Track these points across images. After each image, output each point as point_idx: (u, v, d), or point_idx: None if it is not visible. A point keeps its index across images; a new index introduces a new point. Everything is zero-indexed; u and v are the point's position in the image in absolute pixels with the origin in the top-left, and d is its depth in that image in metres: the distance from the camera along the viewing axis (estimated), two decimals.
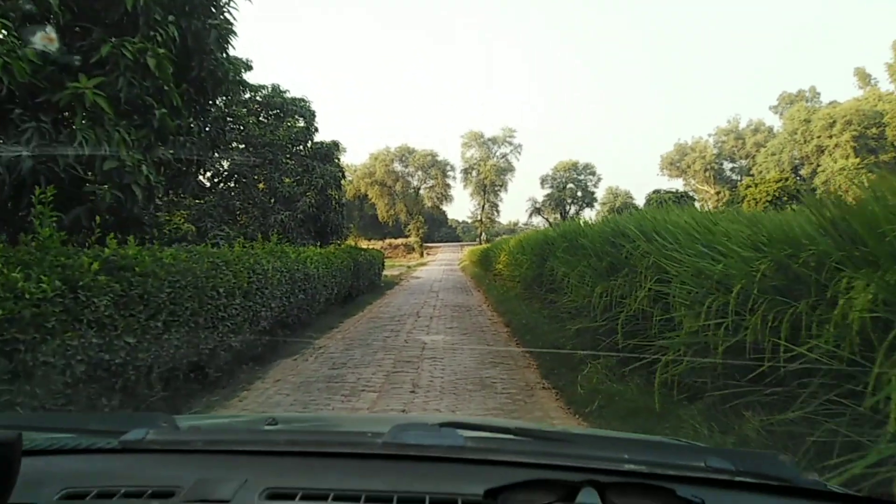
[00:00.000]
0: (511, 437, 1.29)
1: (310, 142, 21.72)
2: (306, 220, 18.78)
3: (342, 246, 17.34)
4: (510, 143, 67.78)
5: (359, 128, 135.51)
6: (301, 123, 21.49)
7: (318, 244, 18.66)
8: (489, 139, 67.79)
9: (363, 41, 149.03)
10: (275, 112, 21.28)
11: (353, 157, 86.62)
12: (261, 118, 21.06)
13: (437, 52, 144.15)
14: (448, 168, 67.48)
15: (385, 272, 34.97)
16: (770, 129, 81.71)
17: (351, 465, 1.16)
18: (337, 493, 1.02)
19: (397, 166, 66.87)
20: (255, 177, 19.41)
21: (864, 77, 71.99)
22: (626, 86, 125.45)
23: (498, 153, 67.93)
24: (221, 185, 18.99)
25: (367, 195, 66.25)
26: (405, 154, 66.54)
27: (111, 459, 1.20)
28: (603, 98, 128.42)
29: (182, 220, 16.90)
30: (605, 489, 0.95)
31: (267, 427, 1.46)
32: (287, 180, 20.70)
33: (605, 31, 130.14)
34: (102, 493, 1.02)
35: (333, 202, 19.53)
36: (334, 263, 13.88)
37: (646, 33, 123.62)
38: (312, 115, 22.19)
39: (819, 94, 75.72)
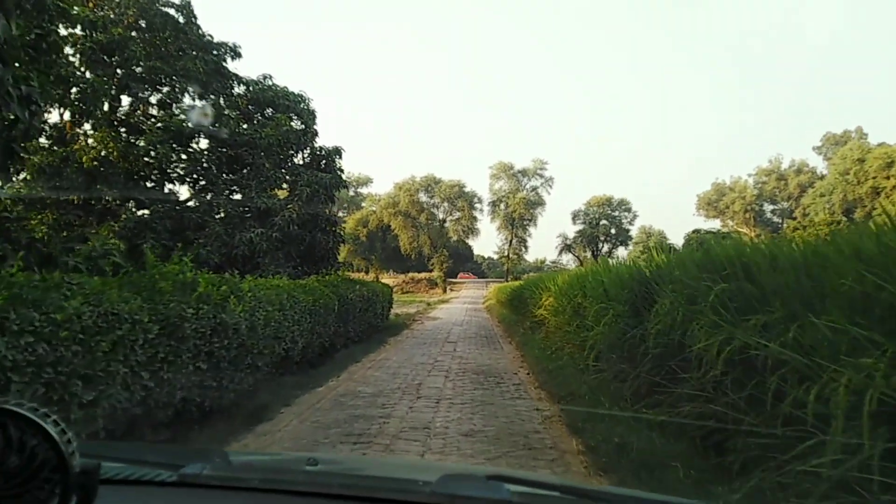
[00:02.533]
0: (557, 494, 1.29)
1: (308, 148, 17.21)
2: (286, 242, 14.01)
3: (329, 277, 12.52)
4: (541, 176, 63.16)
5: (385, 157, 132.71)
6: (297, 124, 17.01)
7: (301, 273, 13.88)
8: (519, 171, 63.22)
9: (391, 67, 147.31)
10: (266, 111, 16.85)
11: (379, 188, 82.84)
12: (255, 117, 16.65)
13: (467, 80, 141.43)
14: (475, 200, 63.01)
15: (400, 310, 30.22)
16: (814, 171, 76.25)
17: None
18: None
19: (422, 197, 62.56)
20: (223, 183, 14.82)
21: None
22: (663, 122, 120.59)
23: (528, 186, 63.27)
24: (176, 191, 14.46)
25: (390, 226, 61.94)
26: (431, 184, 62.26)
27: (171, 492, 1.19)
28: (638, 134, 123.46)
29: (109, 234, 12.32)
30: None
31: (309, 468, 1.44)
32: (280, 193, 16.17)
33: (642, 65, 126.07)
34: None
35: (324, 219, 14.78)
36: (299, 305, 9.04)
37: (686, 69, 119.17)
38: (312, 115, 17.63)
39: (867, 134, 70.02)
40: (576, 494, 1.27)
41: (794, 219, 71.55)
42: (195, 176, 14.78)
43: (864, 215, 57.90)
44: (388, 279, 65.20)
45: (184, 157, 14.41)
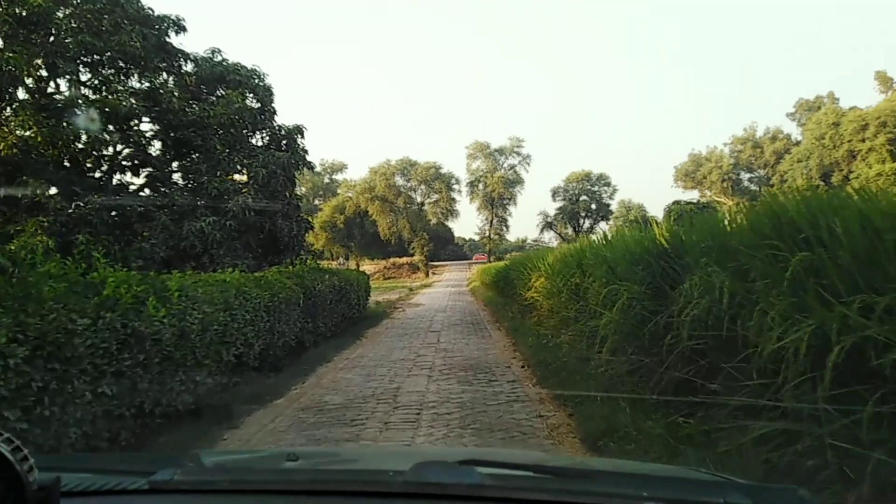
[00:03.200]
0: (531, 473, 1.29)
1: (266, 128, 15.60)
2: (244, 231, 12.50)
3: (294, 267, 11.08)
4: (518, 154, 61.70)
5: (359, 142, 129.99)
6: (252, 102, 15.38)
7: (263, 264, 12.42)
8: (496, 150, 61.65)
9: (362, 49, 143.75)
10: (217, 90, 15.16)
11: (355, 174, 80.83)
12: (205, 96, 14.95)
13: (439, 58, 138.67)
14: (453, 181, 61.34)
15: (381, 297, 28.84)
16: (789, 137, 76.10)
17: (372, 503, 1.13)
18: None
19: (399, 180, 60.78)
20: (170, 169, 13.22)
21: (885, 80, 66.21)
22: (637, 94, 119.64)
23: (506, 164, 61.79)
24: (114, 179, 12.81)
25: (367, 212, 60.20)
26: (407, 167, 60.47)
27: (141, 500, 1.18)
28: (613, 107, 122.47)
29: (37, 229, 10.71)
30: None
31: (288, 463, 1.44)
32: (239, 178, 14.51)
33: (614, 38, 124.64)
34: None
35: (284, 203, 13.27)
36: (252, 301, 7.65)
37: (657, 40, 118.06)
38: (268, 92, 15.97)
39: (838, 99, 69.68)
40: (549, 473, 1.30)
41: (772, 186, 71.38)
42: (136, 162, 13.16)
43: (841, 179, 57.76)
44: (369, 265, 63.64)
45: (121, 141, 12.78)
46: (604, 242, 7.43)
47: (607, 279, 6.13)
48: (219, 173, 13.24)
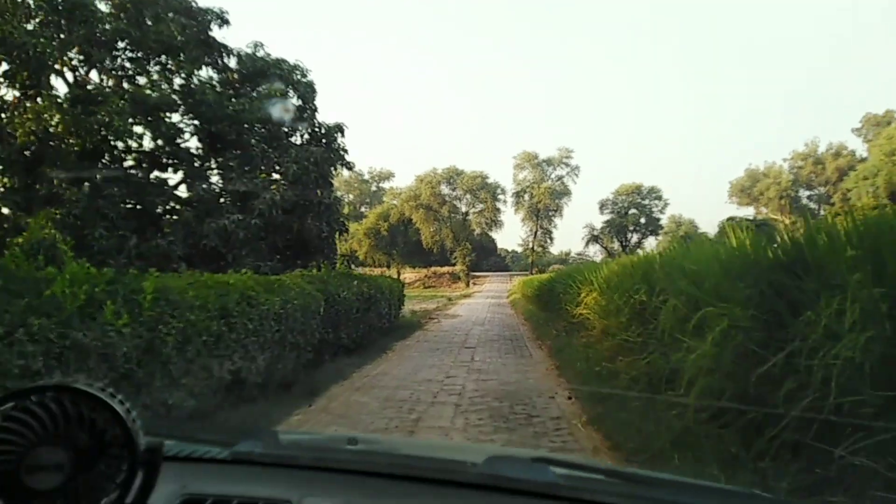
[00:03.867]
0: (602, 477, 1.29)
1: (305, 125, 14.72)
2: (270, 231, 11.54)
3: (319, 271, 10.00)
4: (567, 165, 59.79)
5: (407, 151, 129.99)
6: (293, 99, 14.54)
7: (289, 266, 11.42)
8: (544, 160, 59.89)
9: (414, 55, 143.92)
10: (257, 85, 14.36)
11: (401, 182, 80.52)
12: (245, 91, 14.19)
13: (490, 66, 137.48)
14: (499, 191, 59.94)
15: (418, 306, 27.76)
16: (853, 153, 71.72)
17: (444, 493, 1.11)
18: None
19: (444, 189, 59.82)
20: (201, 165, 12.41)
21: None
22: (693, 105, 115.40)
23: (553, 175, 59.95)
24: (136, 173, 12.06)
25: (411, 220, 59.45)
26: (453, 176, 59.44)
27: (224, 469, 1.19)
28: (667, 119, 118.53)
29: (48, 221, 9.98)
30: None
31: (348, 447, 1.42)
32: (277, 177, 13.57)
33: (669, 48, 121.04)
34: (218, 501, 1.02)
35: (316, 203, 12.26)
36: (258, 308, 6.57)
37: (716, 49, 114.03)
38: (310, 88, 15.13)
39: None
40: (621, 478, 1.28)
41: (832, 204, 67.22)
42: (169, 157, 12.42)
43: None
44: (409, 274, 62.78)
45: (151, 134, 12.05)
46: (681, 250, 6.00)
47: (687, 298, 4.74)
48: (249, 169, 12.38)
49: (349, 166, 15.14)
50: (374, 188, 77.74)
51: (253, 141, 12.60)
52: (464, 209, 60.97)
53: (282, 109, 13.24)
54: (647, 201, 61.62)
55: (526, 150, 60.62)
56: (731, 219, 59.06)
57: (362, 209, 73.55)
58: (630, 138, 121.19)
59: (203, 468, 1.18)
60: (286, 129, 14.15)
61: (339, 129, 14.88)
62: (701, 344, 4.08)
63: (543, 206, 58.14)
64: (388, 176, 75.56)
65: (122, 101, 11.74)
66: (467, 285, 54.30)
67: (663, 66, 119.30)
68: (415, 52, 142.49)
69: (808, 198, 72.51)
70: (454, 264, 59.92)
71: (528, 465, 1.20)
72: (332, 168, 14.39)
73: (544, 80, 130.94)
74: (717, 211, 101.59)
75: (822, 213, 69.22)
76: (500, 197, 60.08)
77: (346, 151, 15.30)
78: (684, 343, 4.36)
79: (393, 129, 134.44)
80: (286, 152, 12.28)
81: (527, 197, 59.58)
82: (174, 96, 12.54)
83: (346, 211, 72.51)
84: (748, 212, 71.29)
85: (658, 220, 61.97)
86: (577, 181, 60.43)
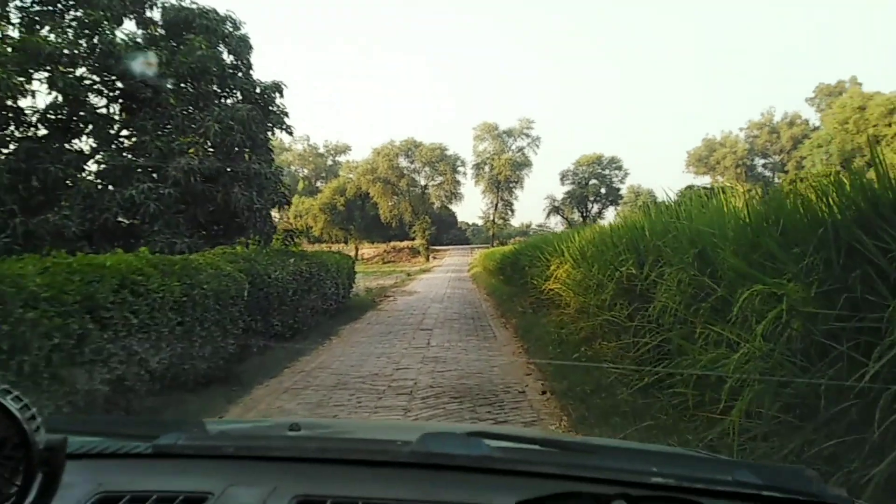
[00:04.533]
0: (538, 447, 1.27)
1: (238, 86, 12.92)
2: (190, 202, 9.92)
3: (247, 248, 8.51)
4: (527, 136, 58.59)
5: (364, 124, 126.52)
6: (226, 57, 12.75)
7: (212, 243, 9.87)
8: (504, 131, 58.51)
9: (366, 25, 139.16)
10: (182, 38, 12.42)
11: (359, 155, 78.08)
12: (167, 44, 12.25)
13: (449, 37, 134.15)
14: (458, 163, 58.40)
15: (375, 282, 26.45)
16: (807, 122, 73.02)
17: (379, 473, 1.08)
18: (365, 500, 0.96)
19: (402, 162, 57.96)
20: (111, 127, 10.61)
21: None
22: (649, 77, 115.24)
23: (514, 146, 58.72)
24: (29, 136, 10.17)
25: (368, 194, 57.55)
26: (411, 148, 57.58)
27: (144, 464, 1.14)
28: (624, 90, 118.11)
29: None
30: (637, 502, 0.89)
31: (291, 433, 1.34)
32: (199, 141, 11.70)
33: (628, 17, 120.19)
34: (136, 498, 0.98)
35: (245, 168, 10.64)
36: (146, 298, 5.12)
37: (673, 20, 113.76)
38: (243, 43, 13.30)
39: (860, 83, 66.49)
40: (557, 447, 1.26)
41: (786, 172, 68.38)
42: (66, 116, 10.54)
43: (863, 165, 54.69)
44: (368, 249, 61.03)
45: (47, 89, 10.16)
46: (683, 208, 4.79)
47: (701, 269, 3.54)
48: (167, 133, 10.63)
49: (289, 130, 13.47)
50: (330, 162, 75.08)
51: (173, 100, 10.83)
52: (423, 182, 59.38)
53: (208, 64, 11.45)
54: (607, 171, 61.19)
55: (486, 121, 59.26)
56: (690, 187, 59.26)
57: (318, 184, 71.00)
58: (589, 109, 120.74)
59: (122, 464, 1.13)
60: (216, 90, 12.38)
61: (277, 88, 13.14)
62: (734, 333, 2.88)
63: (504, 177, 57.02)
64: (344, 149, 73.05)
65: (10, 50, 9.86)
66: (427, 259, 53.03)
67: (621, 37, 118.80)
68: (371, 22, 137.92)
69: (764, 166, 73.64)
70: (414, 239, 58.47)
71: (463, 440, 1.18)
72: (269, 132, 12.70)
73: (504, 50, 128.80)
74: (674, 180, 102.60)
75: (776, 180, 70.54)
76: (460, 169, 58.71)
77: (286, 114, 13.60)
78: (703, 331, 3.15)
79: (350, 102, 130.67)
80: (209, 112, 10.52)
81: (487, 169, 58.32)
82: (77, 49, 10.62)
83: (300, 186, 70.13)
84: (705, 181, 71.85)
85: (618, 189, 61.73)
86: (538, 152, 59.45)
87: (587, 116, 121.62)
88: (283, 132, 13.52)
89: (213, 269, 6.75)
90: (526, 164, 58.29)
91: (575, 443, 1.54)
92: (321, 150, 73.89)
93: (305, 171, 73.47)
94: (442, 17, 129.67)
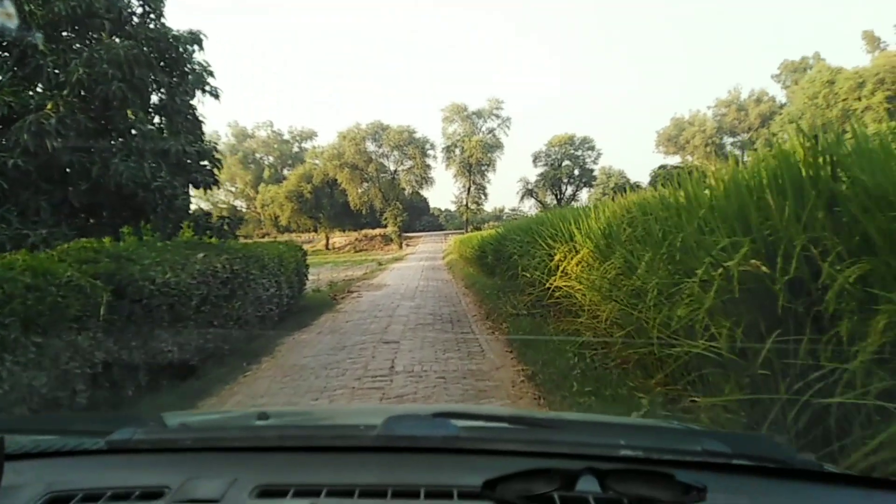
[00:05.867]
0: (506, 425, 1.23)
1: (134, 33, 9.96)
2: (58, 177, 7.08)
3: (142, 238, 5.80)
4: (498, 117, 55.84)
5: (330, 108, 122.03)
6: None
7: (87, 232, 7.10)
8: (474, 112, 55.60)
9: (332, 5, 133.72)
10: None
11: (325, 141, 74.49)
12: None
13: (412, 15, 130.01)
14: (428, 146, 55.44)
15: (342, 274, 23.94)
16: (773, 99, 72.18)
17: (344, 459, 1.05)
18: (330, 487, 0.93)
19: (370, 146, 54.78)
20: None
21: (872, 40, 62.39)
22: (619, 55, 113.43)
23: (484, 128, 55.92)
24: None
25: (336, 180, 54.37)
26: (378, 131, 54.40)
27: (98, 461, 1.09)
28: (593, 71, 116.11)
29: None
30: (605, 476, 0.84)
31: (258, 422, 1.31)
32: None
33: None
34: (88, 496, 0.93)
35: (128, 129, 7.81)
36: None
37: (638, 0, 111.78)
38: None
39: (824, 59, 65.61)
40: (524, 423, 1.23)
41: (756, 150, 67.43)
42: None
43: (833, 140, 53.79)
44: (339, 237, 57.90)
45: None
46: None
47: None
48: (27, 86, 7.73)
49: (213, 93, 10.63)
50: (296, 149, 71.30)
51: (43, 47, 7.91)
52: (392, 167, 56.39)
53: (96, 6, 8.53)
54: (579, 152, 58.93)
55: (455, 102, 56.27)
56: (662, 167, 57.49)
57: (284, 172, 67.26)
58: (558, 89, 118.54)
59: (74, 462, 1.07)
60: (101, 35, 9.41)
61: (195, 39, 10.26)
62: None
63: (475, 160, 54.32)
64: (310, 135, 69.36)
65: None
66: (400, 247, 50.28)
67: (588, 15, 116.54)
68: (337, 1, 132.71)
69: (733, 144, 72.54)
70: (385, 226, 55.61)
71: (429, 422, 1.12)
72: (186, 93, 9.86)
73: (471, 28, 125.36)
74: (644, 161, 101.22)
75: (745, 158, 69.53)
76: (430, 153, 55.82)
77: (209, 73, 10.75)
78: None
79: (314, 86, 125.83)
80: (78, 55, 7.62)
81: (458, 151, 55.49)
82: None
83: (266, 174, 66.35)
84: (675, 160, 70.48)
85: (592, 171, 59.58)
86: (509, 133, 56.97)
87: (556, 98, 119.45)
88: (207, 95, 10.64)
89: (28, 278, 4.04)
90: (497, 145, 55.70)
91: (543, 419, 1.51)
92: (286, 137, 70.10)
93: (271, 158, 69.69)
94: None
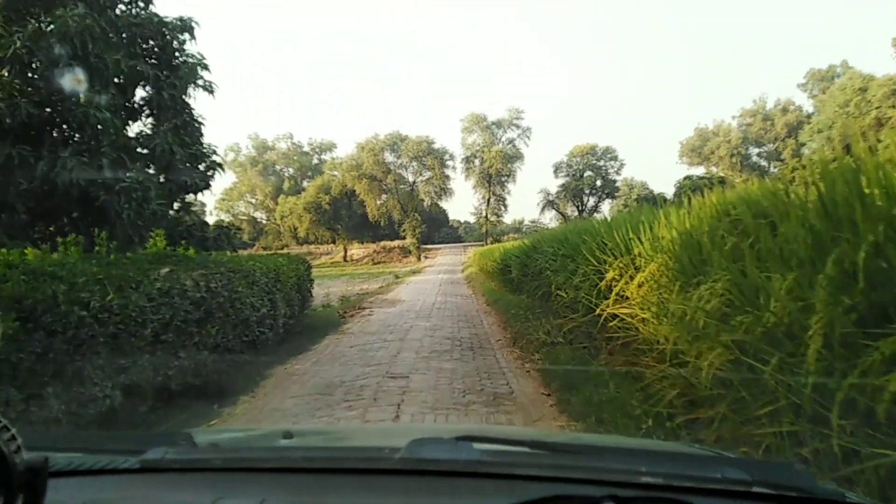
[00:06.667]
0: (527, 450, 1.25)
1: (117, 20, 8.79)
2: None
3: (61, 252, 4.52)
4: (517, 127, 54.41)
5: (349, 121, 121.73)
6: None
7: (27, 241, 5.82)
8: (493, 122, 54.30)
9: (346, 16, 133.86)
10: None
11: (345, 153, 73.88)
12: None
13: (432, 25, 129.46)
14: (447, 157, 54.20)
15: (358, 287, 22.84)
16: (800, 109, 69.74)
17: (367, 482, 1.05)
18: None
19: (388, 157, 53.76)
20: None
21: None
22: (641, 66, 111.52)
23: (504, 138, 54.56)
24: None
25: (354, 191, 53.41)
26: (396, 142, 53.36)
27: (131, 480, 1.09)
28: (615, 80, 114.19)
29: None
30: (626, 503, 0.87)
31: (283, 442, 1.35)
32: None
33: (616, 6, 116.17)
34: None
35: (79, 118, 6.52)
36: None
37: (662, 9, 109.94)
38: None
39: (851, 68, 63.17)
40: (545, 448, 1.25)
41: (782, 160, 65.07)
42: None
43: (867, 149, 51.33)
44: (358, 249, 56.86)
45: None
46: None
47: None
48: None
49: (208, 88, 9.43)
50: (315, 161, 70.68)
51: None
52: (411, 178, 55.27)
53: None
54: (602, 162, 57.17)
55: (474, 112, 55.06)
56: (687, 178, 55.44)
57: (304, 183, 66.61)
58: (579, 100, 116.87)
59: (109, 480, 1.08)
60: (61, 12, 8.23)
61: (186, 28, 9.08)
62: None
63: (495, 170, 52.91)
64: (329, 147, 68.68)
65: None
66: (419, 259, 48.98)
67: (612, 25, 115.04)
68: (352, 13, 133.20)
69: (759, 155, 70.21)
70: (404, 237, 54.43)
71: (452, 445, 1.14)
72: (175, 87, 8.65)
73: (493, 38, 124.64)
74: (668, 172, 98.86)
75: (772, 169, 67.12)
76: (449, 163, 54.59)
77: (203, 65, 9.56)
78: None
79: (334, 99, 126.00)
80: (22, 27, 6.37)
81: (477, 162, 54.18)
82: None
83: (286, 186, 65.76)
84: (699, 171, 68.27)
85: (614, 181, 57.74)
86: (529, 144, 55.44)
87: (576, 108, 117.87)
88: (199, 89, 9.43)
89: None
90: (517, 156, 54.23)
91: (565, 444, 1.49)
92: (306, 149, 69.52)
93: (291, 170, 69.15)
94: (425, 2, 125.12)
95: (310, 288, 10.97)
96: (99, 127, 6.28)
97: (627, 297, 4.52)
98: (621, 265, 4.80)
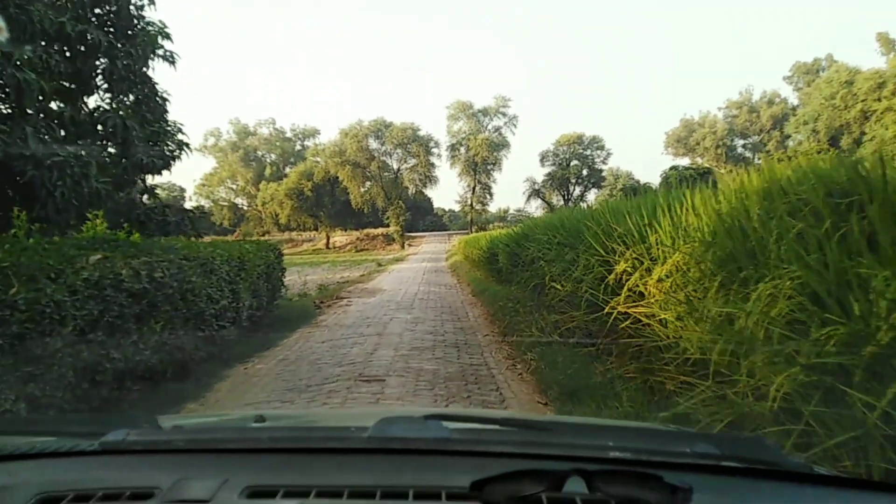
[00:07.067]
0: (497, 427, 1.22)
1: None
2: None
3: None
4: (504, 115, 53.52)
5: (333, 107, 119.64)
6: None
7: None
8: (479, 110, 53.30)
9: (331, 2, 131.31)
10: None
11: (327, 139, 72.43)
12: None
13: (419, 11, 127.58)
14: (432, 144, 53.19)
15: (340, 274, 22.07)
16: (786, 101, 69.76)
17: (334, 461, 1.04)
18: (319, 488, 0.92)
19: (372, 143, 52.62)
20: None
21: (887, 42, 59.86)
22: (626, 55, 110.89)
23: (490, 126, 53.62)
24: None
25: (337, 178, 52.25)
26: (381, 128, 52.19)
27: (90, 462, 1.08)
28: (600, 69, 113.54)
29: None
30: (592, 477, 0.83)
31: (254, 425, 1.31)
32: None
33: None
34: (79, 496, 0.92)
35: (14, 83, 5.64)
36: None
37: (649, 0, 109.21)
38: None
39: (836, 61, 63.23)
40: (515, 426, 1.23)
41: (767, 152, 65.13)
42: None
43: (851, 142, 51.37)
44: (340, 237, 55.78)
45: None
46: None
47: None
48: None
49: (168, 58, 8.49)
50: (298, 147, 69.19)
51: None
52: (395, 165, 54.20)
53: None
54: (588, 152, 56.57)
55: (460, 100, 53.99)
56: (673, 168, 55.15)
57: (286, 170, 65.18)
58: (565, 89, 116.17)
59: (68, 462, 1.07)
60: None
61: None
62: None
63: (481, 158, 52.05)
64: (312, 133, 67.23)
65: None
66: (402, 247, 48.12)
67: (598, 14, 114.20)
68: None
69: (744, 146, 70.24)
70: (388, 225, 53.48)
71: (420, 424, 1.11)
72: (128, 55, 7.73)
73: (479, 25, 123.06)
74: (653, 163, 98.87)
75: (757, 160, 67.14)
76: (435, 151, 53.60)
77: (166, 35, 8.63)
78: None
79: (316, 84, 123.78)
80: None
81: (463, 150, 53.25)
82: None
83: (267, 172, 64.23)
84: (684, 162, 68.09)
85: (601, 171, 57.21)
86: (516, 132, 54.72)
87: (564, 97, 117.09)
88: (159, 59, 8.49)
89: None
90: (503, 144, 53.40)
91: (534, 421, 1.46)
92: (288, 135, 67.99)
93: (273, 156, 67.62)
94: None
95: (281, 277, 10.12)
96: (22, 90, 5.36)
97: (642, 294, 3.78)
98: (634, 256, 4.06)
